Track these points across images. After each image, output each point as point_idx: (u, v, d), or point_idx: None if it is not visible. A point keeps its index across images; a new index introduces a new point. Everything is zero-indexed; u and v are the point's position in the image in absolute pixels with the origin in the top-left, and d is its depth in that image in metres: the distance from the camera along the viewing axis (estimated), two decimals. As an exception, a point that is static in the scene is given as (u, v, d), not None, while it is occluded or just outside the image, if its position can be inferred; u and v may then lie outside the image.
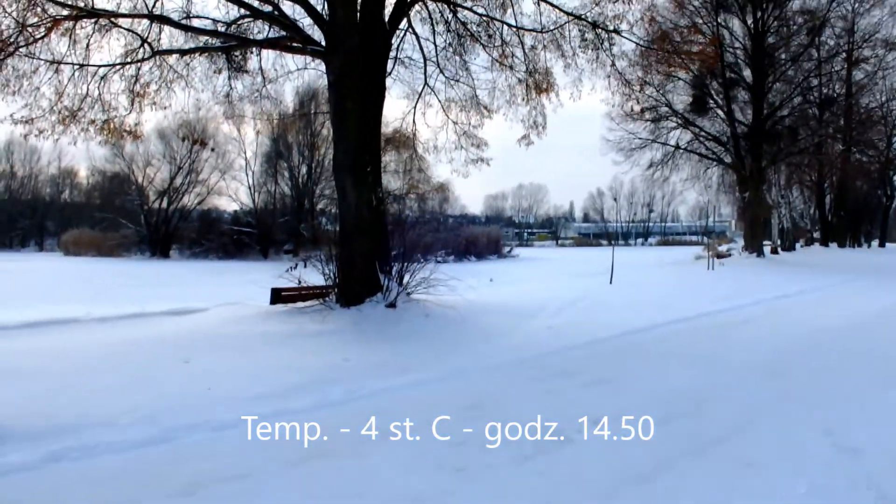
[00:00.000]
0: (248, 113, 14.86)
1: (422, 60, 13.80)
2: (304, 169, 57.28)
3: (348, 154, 10.05)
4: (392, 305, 10.24)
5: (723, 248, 53.46)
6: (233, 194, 54.75)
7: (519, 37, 13.42)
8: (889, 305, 13.45)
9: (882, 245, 48.03)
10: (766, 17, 28.01)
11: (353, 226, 10.21)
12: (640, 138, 30.51)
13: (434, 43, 13.82)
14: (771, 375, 6.87)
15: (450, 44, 13.75)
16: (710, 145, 30.58)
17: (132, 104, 11.11)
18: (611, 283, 16.95)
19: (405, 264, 10.88)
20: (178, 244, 51.73)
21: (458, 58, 13.96)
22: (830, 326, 10.50)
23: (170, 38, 12.54)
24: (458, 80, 14.62)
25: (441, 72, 14.33)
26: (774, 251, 34.07)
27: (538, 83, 13.32)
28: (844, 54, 31.61)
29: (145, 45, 11.79)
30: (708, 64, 26.98)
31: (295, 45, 11.29)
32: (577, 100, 13.49)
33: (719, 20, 27.58)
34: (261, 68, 13.36)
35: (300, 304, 10.49)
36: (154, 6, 11.01)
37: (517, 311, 11.70)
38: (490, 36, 13.89)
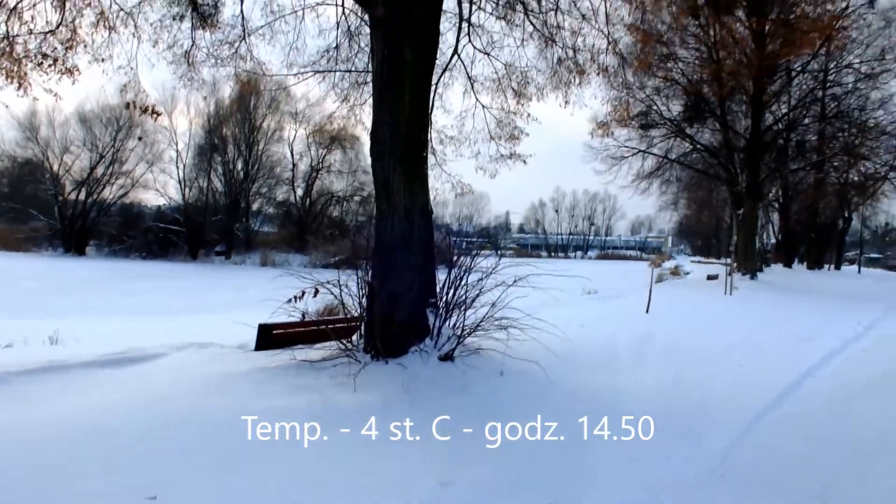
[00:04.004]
0: (213, 78, 11.39)
1: (456, 19, 10.51)
2: (239, 164, 53.27)
3: (397, 131, 6.58)
4: (449, 357, 6.98)
5: (666, 265, 52.19)
6: (160, 188, 49.87)
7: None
8: None
9: (838, 268, 47.48)
10: (769, 21, 25.96)
11: (399, 242, 6.78)
12: (627, 147, 28.06)
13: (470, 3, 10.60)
14: None
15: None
16: (703, 156, 28.45)
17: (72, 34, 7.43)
18: (647, 311, 14.13)
19: (455, 296, 7.63)
20: (95, 240, 46.70)
21: (499, 22, 10.80)
22: None
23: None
24: (488, 53, 11.51)
25: (469, 39, 11.16)
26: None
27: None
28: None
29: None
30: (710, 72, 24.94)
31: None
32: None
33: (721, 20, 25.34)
34: (242, 12, 9.88)
35: (309, 352, 7.03)
36: None
37: (588, 360, 8.68)
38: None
